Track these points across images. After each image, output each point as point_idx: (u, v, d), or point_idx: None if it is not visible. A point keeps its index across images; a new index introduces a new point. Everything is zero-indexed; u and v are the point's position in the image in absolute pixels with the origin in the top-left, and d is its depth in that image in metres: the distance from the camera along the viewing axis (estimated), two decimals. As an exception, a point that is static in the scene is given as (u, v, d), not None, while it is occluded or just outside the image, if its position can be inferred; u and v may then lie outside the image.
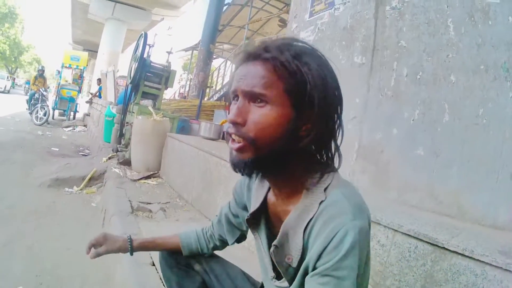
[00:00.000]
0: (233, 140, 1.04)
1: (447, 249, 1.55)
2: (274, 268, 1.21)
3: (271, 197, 1.22)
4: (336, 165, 1.12)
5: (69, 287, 2.70)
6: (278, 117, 1.00)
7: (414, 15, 2.68)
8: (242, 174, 1.10)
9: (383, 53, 2.88)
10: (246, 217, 1.28)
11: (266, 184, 1.24)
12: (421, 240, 1.66)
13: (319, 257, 0.97)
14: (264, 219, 1.26)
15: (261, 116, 1.00)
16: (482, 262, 1.43)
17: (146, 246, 1.63)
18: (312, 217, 1.03)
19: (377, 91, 2.86)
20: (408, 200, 2.55)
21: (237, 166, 1.06)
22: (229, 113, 1.07)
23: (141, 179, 5.44)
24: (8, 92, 32.46)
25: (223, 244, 1.59)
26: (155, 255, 2.54)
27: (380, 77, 2.86)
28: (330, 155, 1.11)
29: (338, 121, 1.08)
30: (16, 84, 48.31)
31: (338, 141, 1.10)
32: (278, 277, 1.21)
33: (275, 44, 1.04)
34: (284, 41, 1.06)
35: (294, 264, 1.09)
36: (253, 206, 1.27)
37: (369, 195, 2.61)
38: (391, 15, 2.85)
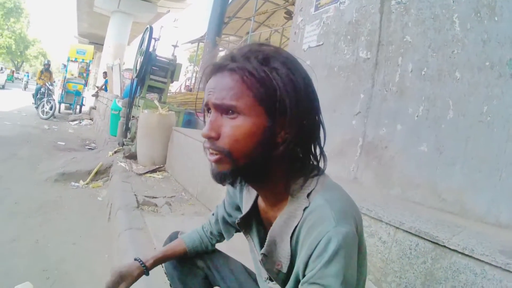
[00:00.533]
0: (211, 153, 1.03)
1: (447, 247, 1.56)
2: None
3: (261, 202, 1.22)
4: (322, 167, 1.11)
5: (76, 281, 2.72)
6: (251, 127, 0.98)
7: (420, 10, 2.68)
8: (224, 185, 1.09)
9: (388, 48, 2.87)
10: (236, 221, 1.29)
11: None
12: (422, 238, 1.67)
13: (306, 266, 0.97)
14: (256, 222, 1.27)
15: (233, 128, 0.99)
16: (482, 261, 1.43)
17: (159, 261, 1.62)
18: (298, 223, 1.03)
19: (382, 87, 2.86)
20: (411, 196, 2.55)
21: (217, 177, 1.05)
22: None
23: (146, 173, 5.46)
24: (3, 87, 28.64)
25: (223, 238, 1.61)
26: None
27: (385, 72, 2.86)
28: (313, 158, 1.10)
29: (316, 122, 1.06)
30: (17, 78, 47.50)
31: (322, 142, 1.09)
32: (271, 278, 1.22)
33: (241, 52, 1.03)
34: (251, 47, 1.04)
35: (284, 270, 1.09)
36: (244, 210, 1.29)
37: (372, 191, 2.62)
38: (396, 10, 2.84)
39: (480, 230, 1.92)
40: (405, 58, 2.74)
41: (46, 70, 15.45)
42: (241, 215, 1.27)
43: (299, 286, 1.00)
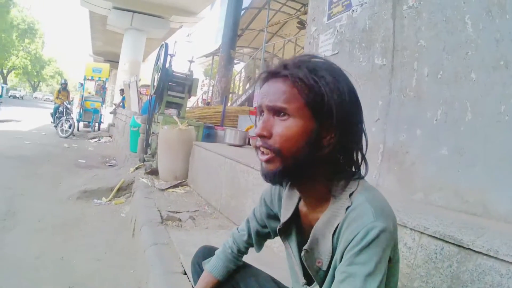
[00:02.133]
0: (262, 152, 1.12)
1: (472, 249, 1.56)
2: (305, 275, 1.27)
3: (303, 207, 1.28)
4: (362, 172, 1.18)
5: (102, 297, 2.76)
6: (300, 128, 1.07)
7: (432, 13, 2.68)
8: (273, 184, 1.21)
9: (403, 53, 2.88)
10: (277, 227, 1.35)
11: (297, 193, 1.29)
12: (446, 241, 1.67)
13: (341, 257, 1.05)
14: (295, 228, 1.32)
15: (284, 128, 1.08)
16: (507, 262, 1.43)
17: None
18: (340, 222, 1.09)
19: (399, 92, 2.87)
20: (434, 200, 2.55)
21: (267, 176, 1.14)
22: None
23: (169, 188, 5.49)
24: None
25: (249, 248, 1.64)
26: (186, 264, 2.60)
27: (402, 78, 2.87)
28: (355, 162, 1.17)
29: (359, 129, 1.14)
30: (14, 97, 47.07)
31: (364, 149, 1.17)
32: (309, 283, 1.27)
33: (293, 61, 1.12)
34: (302, 58, 1.13)
35: (324, 267, 1.16)
36: (284, 215, 1.32)
37: (395, 196, 2.63)
38: (408, 15, 2.86)
39: (503, 230, 1.92)
40: (420, 62, 2.74)
41: (64, 89, 15.76)
42: (283, 221, 1.32)
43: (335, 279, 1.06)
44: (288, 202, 1.33)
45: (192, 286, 1.72)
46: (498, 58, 2.29)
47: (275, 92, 1.10)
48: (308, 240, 1.19)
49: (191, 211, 4.31)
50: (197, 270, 1.70)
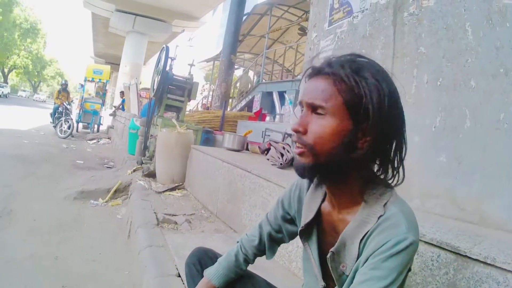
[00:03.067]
0: (297, 146, 1.14)
1: (469, 257, 1.54)
2: (324, 278, 1.28)
3: (326, 207, 1.28)
4: (395, 181, 1.19)
5: (96, 298, 2.74)
6: (336, 127, 1.08)
7: (432, 20, 2.67)
8: (303, 177, 1.20)
9: (403, 60, 2.87)
10: (300, 228, 1.34)
11: (320, 194, 1.30)
12: (443, 248, 1.66)
13: (366, 261, 1.07)
14: (316, 229, 1.32)
15: (320, 126, 1.09)
16: (504, 269, 1.42)
17: None
18: (370, 229, 1.10)
19: (398, 99, 2.85)
20: (430, 208, 2.53)
21: (298, 169, 1.15)
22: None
23: (166, 191, 5.48)
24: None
25: (256, 258, 1.62)
26: (181, 267, 2.58)
27: (401, 85, 2.84)
28: (392, 170, 1.17)
29: (398, 135, 1.13)
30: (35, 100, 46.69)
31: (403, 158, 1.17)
32: (328, 286, 1.28)
33: (338, 60, 1.13)
34: (348, 57, 1.13)
35: (348, 272, 1.16)
36: (307, 216, 1.32)
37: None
38: (409, 22, 2.85)
39: (501, 238, 1.91)
40: (420, 69, 2.73)
41: (64, 90, 15.79)
42: (305, 222, 1.31)
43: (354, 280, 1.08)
44: (311, 203, 1.33)
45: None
46: (498, 65, 2.28)
47: (315, 89, 1.11)
48: (336, 243, 1.18)
49: (187, 214, 4.29)
50: (192, 271, 1.67)
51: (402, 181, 1.19)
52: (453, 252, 1.61)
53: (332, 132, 1.07)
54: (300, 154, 1.12)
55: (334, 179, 1.18)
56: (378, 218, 1.09)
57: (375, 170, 1.17)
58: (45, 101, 50.23)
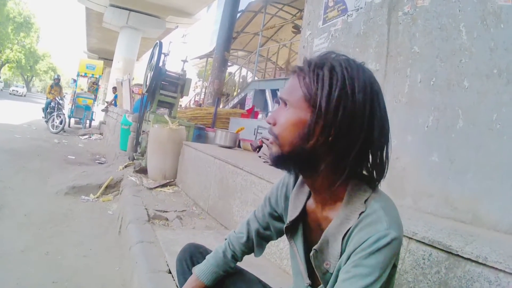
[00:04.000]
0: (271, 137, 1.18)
1: (461, 256, 1.55)
2: (310, 276, 1.28)
3: (311, 204, 1.28)
4: (378, 177, 1.16)
5: (87, 294, 2.72)
6: (294, 119, 1.10)
7: (427, 20, 2.67)
8: (276, 167, 1.20)
9: (397, 59, 2.87)
10: (285, 225, 1.34)
11: (306, 191, 1.30)
12: (435, 247, 1.66)
13: (347, 259, 1.07)
14: (302, 227, 1.32)
15: (283, 117, 1.13)
16: (496, 269, 1.42)
17: None
18: (352, 226, 1.10)
19: (391, 98, 2.85)
20: (423, 207, 2.53)
21: (270, 159, 1.19)
22: None
23: (157, 187, 5.47)
24: None
25: (244, 255, 1.61)
26: (171, 263, 2.58)
27: (394, 84, 2.85)
28: (372, 167, 1.15)
29: (367, 132, 1.08)
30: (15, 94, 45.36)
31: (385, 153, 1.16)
32: (314, 285, 1.28)
33: (313, 57, 1.15)
34: (323, 54, 1.15)
35: (332, 270, 1.16)
36: (292, 213, 1.31)
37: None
38: (404, 21, 2.84)
39: (493, 238, 1.92)
40: (413, 68, 2.73)
41: (56, 84, 15.74)
42: (291, 219, 1.31)
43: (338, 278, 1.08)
44: (296, 200, 1.32)
45: (177, 285, 1.69)
46: (491, 66, 2.29)
47: (287, 85, 1.16)
48: (319, 241, 1.19)
49: (178, 210, 4.29)
50: (183, 267, 1.65)
51: (383, 177, 1.16)
52: (445, 251, 1.62)
53: (291, 123, 1.11)
54: (270, 144, 1.18)
55: (303, 171, 1.21)
56: (360, 215, 1.09)
57: (343, 163, 1.11)
58: (24, 95, 47.17)
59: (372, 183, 1.15)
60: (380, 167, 1.14)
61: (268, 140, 1.19)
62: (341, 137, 1.06)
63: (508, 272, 1.40)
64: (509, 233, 2.11)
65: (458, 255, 1.56)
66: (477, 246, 1.61)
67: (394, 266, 1.11)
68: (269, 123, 1.18)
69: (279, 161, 1.16)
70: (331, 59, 1.11)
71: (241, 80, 22.68)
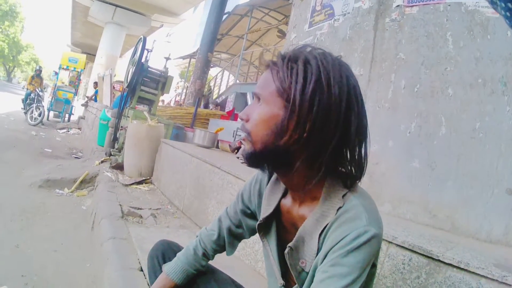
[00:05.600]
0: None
1: (442, 261, 1.53)
2: (284, 276, 1.23)
3: (286, 202, 1.23)
4: (357, 175, 1.11)
5: (55, 288, 2.65)
6: (267, 114, 1.06)
7: (413, 28, 2.68)
8: (249, 166, 1.15)
9: (382, 65, 2.86)
10: (258, 222, 1.29)
11: (280, 189, 1.25)
12: (415, 252, 1.64)
13: (324, 257, 1.01)
14: (275, 225, 1.27)
15: (256, 113, 1.09)
16: (478, 274, 1.41)
17: None
18: (329, 222, 1.05)
19: (374, 103, 2.85)
20: (402, 213, 2.53)
21: (243, 156, 1.15)
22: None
23: (132, 184, 5.39)
24: None
25: (216, 254, 1.55)
26: (144, 261, 2.51)
27: (378, 89, 2.85)
28: (350, 164, 1.10)
29: (338, 128, 1.03)
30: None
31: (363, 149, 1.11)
32: (288, 285, 1.23)
33: (287, 51, 1.11)
34: (297, 48, 1.10)
35: (307, 269, 1.11)
36: (266, 211, 1.26)
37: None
38: (390, 27, 2.84)
39: (472, 245, 1.92)
40: (398, 74, 2.73)
41: (38, 76, 15.64)
42: (264, 216, 1.26)
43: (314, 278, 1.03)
44: (270, 197, 1.27)
45: (148, 283, 1.63)
46: (476, 76, 2.32)
47: (261, 80, 1.11)
48: (294, 238, 1.14)
49: (153, 208, 4.21)
50: (154, 265, 1.59)
51: (362, 175, 1.11)
52: (426, 256, 1.60)
53: (264, 119, 1.07)
54: (243, 140, 1.13)
55: (278, 169, 1.16)
56: (337, 210, 1.05)
57: (318, 161, 1.07)
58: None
59: (351, 181, 1.10)
60: (359, 165, 1.10)
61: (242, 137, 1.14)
62: (316, 133, 1.02)
63: (490, 278, 1.38)
64: (488, 241, 2.12)
65: (439, 260, 1.54)
66: (458, 252, 1.60)
67: (374, 266, 1.08)
68: (242, 119, 1.14)
69: (252, 159, 1.12)
70: (306, 52, 1.06)
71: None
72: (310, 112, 1.01)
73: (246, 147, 1.12)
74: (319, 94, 1.01)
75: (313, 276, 1.06)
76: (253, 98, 1.15)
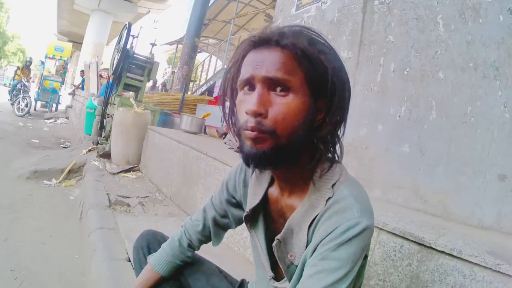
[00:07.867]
0: (251, 130, 0.95)
1: (434, 248, 1.50)
2: (273, 268, 1.18)
3: (274, 192, 1.17)
4: (339, 158, 1.08)
5: (44, 281, 2.60)
6: (300, 106, 0.95)
7: (403, 10, 2.64)
8: (256, 167, 1.05)
9: (370, 47, 2.82)
10: (244, 214, 1.22)
11: (267, 178, 1.19)
12: (407, 239, 1.61)
13: (314, 250, 0.96)
14: (263, 216, 1.21)
15: (284, 105, 0.94)
16: (471, 262, 1.39)
17: None
18: (318, 213, 1.00)
19: (363, 86, 2.81)
20: (392, 198, 2.51)
21: (253, 157, 0.97)
22: (243, 104, 1.00)
23: (120, 172, 5.35)
24: None
25: (200, 246, 1.50)
26: (131, 250, 2.47)
27: (366, 72, 2.81)
28: (335, 147, 1.06)
29: (347, 111, 1.03)
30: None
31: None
32: (277, 277, 1.18)
33: (291, 30, 0.99)
34: (296, 28, 1.00)
35: (297, 262, 1.06)
36: (252, 201, 1.21)
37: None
38: (379, 10, 2.80)
39: (464, 232, 1.90)
40: (387, 58, 2.69)
41: (27, 67, 15.43)
42: (251, 207, 1.19)
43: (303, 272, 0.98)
44: (256, 187, 1.21)
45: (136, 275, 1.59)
46: (467, 59, 2.29)
47: (273, 62, 0.94)
48: (282, 230, 1.09)
49: (141, 196, 4.18)
50: (139, 256, 1.55)
51: (341, 158, 1.08)
52: (417, 243, 1.57)
53: (297, 112, 0.94)
54: (257, 138, 0.94)
55: (290, 163, 1.03)
56: (327, 201, 1.00)
57: (324, 148, 1.05)
58: None
59: (337, 165, 1.05)
60: (341, 146, 1.07)
61: (252, 133, 0.94)
62: (338, 121, 1.01)
63: (483, 266, 1.36)
64: (480, 227, 2.12)
65: (431, 248, 1.52)
66: (450, 239, 1.58)
67: (365, 257, 1.04)
68: (258, 114, 0.94)
69: (268, 158, 0.96)
70: (314, 36, 0.99)
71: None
72: (341, 101, 0.99)
73: (261, 145, 0.95)
74: (348, 82, 1.01)
75: (302, 269, 1.01)
76: (248, 84, 0.98)
